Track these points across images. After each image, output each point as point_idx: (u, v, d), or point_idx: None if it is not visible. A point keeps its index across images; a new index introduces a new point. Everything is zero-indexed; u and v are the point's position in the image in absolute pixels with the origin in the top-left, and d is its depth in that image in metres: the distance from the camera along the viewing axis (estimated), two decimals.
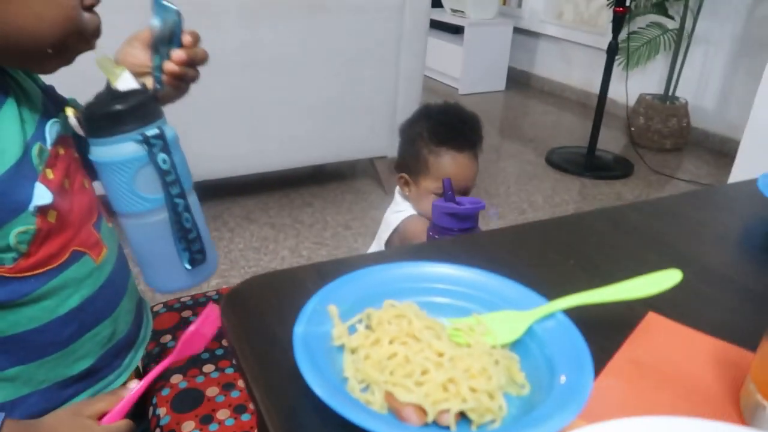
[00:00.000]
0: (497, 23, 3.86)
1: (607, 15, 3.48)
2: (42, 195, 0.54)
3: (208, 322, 0.67)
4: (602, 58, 2.65)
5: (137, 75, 0.59)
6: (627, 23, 2.61)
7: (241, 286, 0.44)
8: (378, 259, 0.47)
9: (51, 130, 0.58)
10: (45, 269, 0.57)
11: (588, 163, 2.75)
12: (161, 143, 0.54)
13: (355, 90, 2.21)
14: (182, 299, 0.93)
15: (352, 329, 0.38)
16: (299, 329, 0.34)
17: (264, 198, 2.29)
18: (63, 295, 0.60)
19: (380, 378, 0.33)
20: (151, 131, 0.54)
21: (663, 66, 3.21)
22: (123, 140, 0.53)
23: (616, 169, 2.76)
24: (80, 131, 0.58)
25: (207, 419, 0.72)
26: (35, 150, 0.55)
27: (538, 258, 0.52)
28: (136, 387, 0.66)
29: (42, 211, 0.55)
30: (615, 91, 2.86)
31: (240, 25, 1.90)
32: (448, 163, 1.07)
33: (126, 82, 0.55)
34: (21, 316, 0.58)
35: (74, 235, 0.60)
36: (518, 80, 4.21)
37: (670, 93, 3.01)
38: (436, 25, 3.88)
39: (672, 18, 2.97)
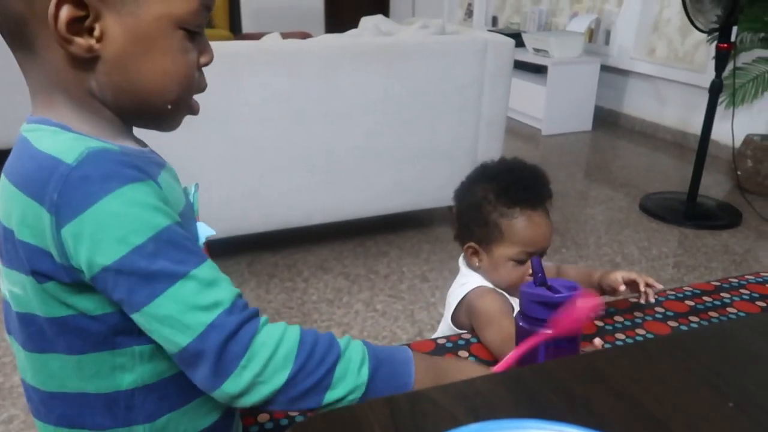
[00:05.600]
0: (583, 62, 3.70)
1: (705, 51, 3.25)
2: (206, 230, 0.63)
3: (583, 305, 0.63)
4: (700, 97, 2.45)
5: None
6: (733, 59, 2.39)
7: (303, 427, 0.34)
8: (463, 392, 0.36)
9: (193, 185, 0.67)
10: None
11: (689, 211, 2.51)
12: None
13: (435, 136, 2.13)
14: None
15: None
16: None
17: (338, 246, 2.23)
18: None
19: None
20: None
21: None
22: None
23: (722, 217, 2.50)
24: None
25: None
26: (193, 197, 0.65)
27: (680, 394, 0.40)
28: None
29: (206, 244, 0.61)
30: (717, 132, 2.62)
31: (318, 74, 1.88)
32: (525, 224, 0.95)
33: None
34: None
35: None
36: (606, 120, 3.99)
37: None
38: (518, 65, 3.76)
39: None
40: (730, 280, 1.08)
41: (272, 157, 1.93)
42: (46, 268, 0.51)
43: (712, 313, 0.97)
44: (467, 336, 0.93)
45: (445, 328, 1.04)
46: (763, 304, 0.99)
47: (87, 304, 0.53)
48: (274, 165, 1.94)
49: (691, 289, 1.06)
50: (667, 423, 0.36)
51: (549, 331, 0.62)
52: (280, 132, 1.90)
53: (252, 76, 1.81)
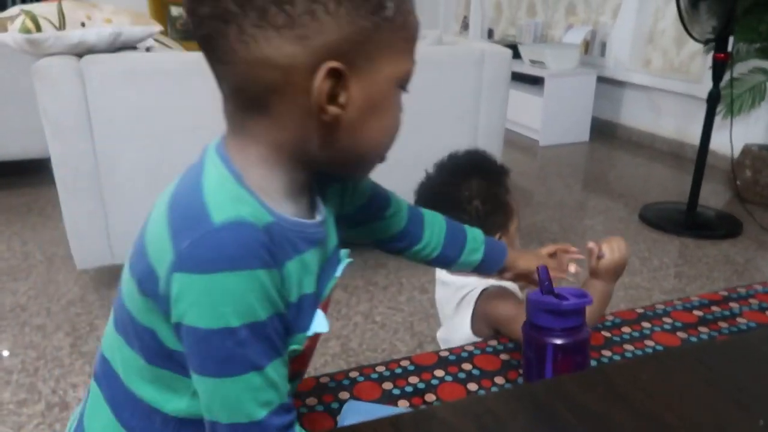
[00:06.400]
0: (579, 73, 3.70)
1: (701, 62, 3.25)
2: (321, 323, 0.59)
3: None
4: (696, 107, 2.45)
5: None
6: (730, 68, 2.39)
7: None
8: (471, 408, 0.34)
9: (343, 261, 0.65)
10: None
11: (688, 221, 2.49)
12: None
13: (433, 147, 2.10)
14: None
15: None
16: None
17: None
18: None
19: None
20: None
21: None
22: None
23: (722, 227, 2.48)
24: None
25: None
26: (331, 282, 0.62)
27: (704, 411, 0.38)
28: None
29: (312, 337, 0.58)
30: (714, 142, 2.62)
31: None
32: (514, 194, 1.08)
33: None
34: None
35: (307, 359, 0.64)
36: (603, 131, 3.99)
37: None
38: (515, 77, 3.77)
39: None
40: (738, 289, 1.06)
41: None
42: (149, 290, 0.52)
43: (721, 324, 0.95)
44: (470, 348, 0.90)
45: (462, 337, 1.01)
46: None
47: (168, 335, 0.54)
48: None
49: (698, 299, 1.03)
50: None
51: (557, 341, 0.59)
52: None
53: None
